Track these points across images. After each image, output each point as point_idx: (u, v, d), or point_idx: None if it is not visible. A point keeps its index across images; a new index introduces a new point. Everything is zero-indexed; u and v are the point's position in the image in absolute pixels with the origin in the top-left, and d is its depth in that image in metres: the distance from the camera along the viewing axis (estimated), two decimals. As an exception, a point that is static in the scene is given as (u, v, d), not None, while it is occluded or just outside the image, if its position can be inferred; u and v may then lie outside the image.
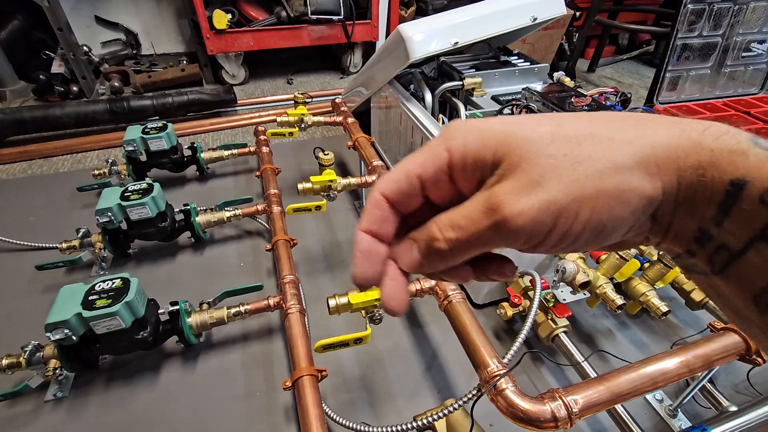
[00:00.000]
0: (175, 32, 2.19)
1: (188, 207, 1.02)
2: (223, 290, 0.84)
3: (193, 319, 0.78)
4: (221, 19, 1.78)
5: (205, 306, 0.82)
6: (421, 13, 2.28)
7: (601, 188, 0.16)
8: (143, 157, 1.23)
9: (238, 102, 1.81)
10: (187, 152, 1.28)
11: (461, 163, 0.18)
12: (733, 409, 0.66)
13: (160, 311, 0.77)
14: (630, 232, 0.18)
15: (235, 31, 1.86)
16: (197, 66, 2.02)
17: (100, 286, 0.70)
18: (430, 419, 0.60)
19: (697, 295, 0.81)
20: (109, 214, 0.91)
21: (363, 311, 0.63)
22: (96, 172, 1.22)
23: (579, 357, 0.71)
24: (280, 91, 2.04)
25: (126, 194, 0.94)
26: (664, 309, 0.76)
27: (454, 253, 0.19)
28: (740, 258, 0.16)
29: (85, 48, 1.89)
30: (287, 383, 0.67)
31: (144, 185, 0.97)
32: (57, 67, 1.82)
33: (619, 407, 0.66)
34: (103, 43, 2.08)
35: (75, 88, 1.83)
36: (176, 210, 1.02)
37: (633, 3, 2.43)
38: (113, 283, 0.71)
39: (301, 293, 0.88)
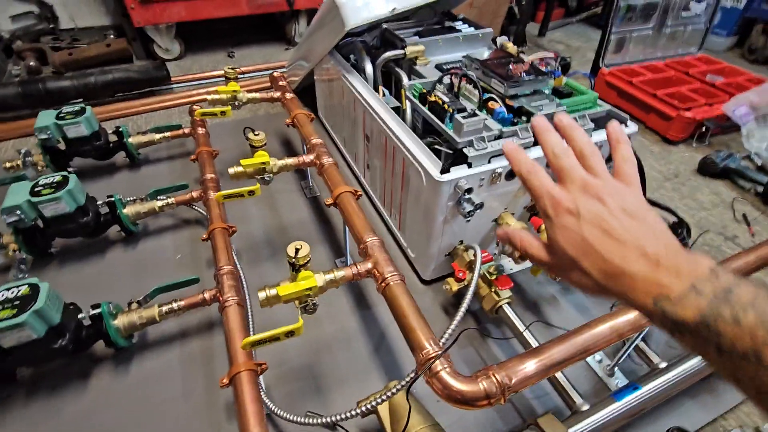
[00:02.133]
0: (97, 2, 1.98)
1: (113, 199, 0.94)
2: (154, 287, 0.78)
3: (120, 321, 0.72)
4: (145, -14, 1.62)
5: (134, 305, 0.76)
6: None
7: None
8: (62, 146, 1.11)
9: (173, 79, 1.68)
10: (113, 137, 1.17)
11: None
12: (663, 365, 0.68)
13: (81, 315, 0.71)
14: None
15: (163, -1, 1.70)
16: (125, 41, 1.85)
17: (3, 295, 0.63)
18: (372, 404, 0.59)
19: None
20: (18, 212, 0.82)
21: (296, 301, 0.60)
22: (8, 164, 1.10)
23: (521, 327, 0.72)
24: (220, 66, 1.90)
25: (36, 189, 0.85)
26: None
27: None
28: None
29: (-11, 23, 1.68)
30: (224, 380, 0.64)
31: (58, 178, 0.88)
32: (-43, 46, 1.61)
33: (557, 373, 0.68)
34: (13, 17, 1.85)
35: (-18, 70, 1.64)
36: (100, 202, 0.94)
37: (580, -37, 2.40)
38: (19, 290, 0.64)
39: (243, 284, 0.84)
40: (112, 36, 1.94)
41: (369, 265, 0.66)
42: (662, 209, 1.10)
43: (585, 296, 0.91)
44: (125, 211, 0.95)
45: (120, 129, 1.17)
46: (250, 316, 0.77)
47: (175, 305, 0.75)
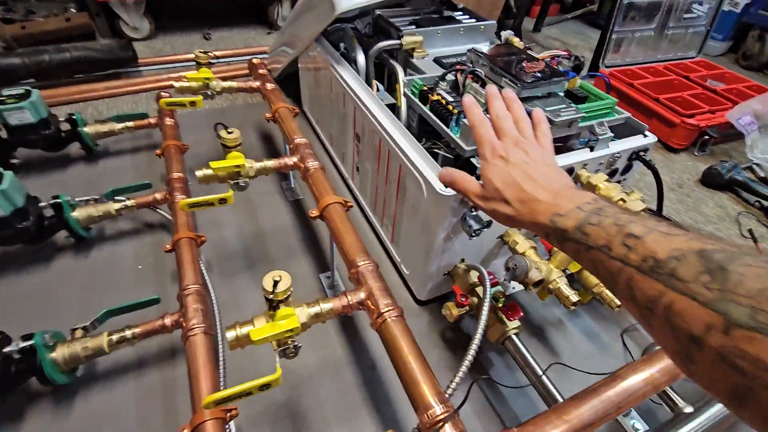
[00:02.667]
0: (56, -29, 1.78)
1: (59, 200, 0.80)
2: (104, 309, 0.66)
3: (60, 353, 0.60)
4: (108, -45, 1.45)
5: (79, 332, 0.64)
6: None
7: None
8: (3, 134, 0.96)
9: (141, 61, 1.52)
10: (66, 126, 1.03)
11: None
12: (689, 410, 0.61)
13: (8, 349, 0.58)
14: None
15: (129, -29, 1.53)
16: (87, 15, 1.67)
17: None
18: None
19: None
20: (-63, 216, 0.68)
21: (274, 343, 0.50)
22: (-63, 154, 0.94)
23: (536, 367, 0.63)
24: (195, 48, 1.75)
25: (-38, 188, 0.71)
26: (619, 302, 0.69)
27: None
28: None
29: (-75, -13, 1.48)
30: None
31: (-10, 175, 0.74)
32: None
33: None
34: (-43, -17, 1.65)
35: None
36: (43, 204, 0.80)
37: (579, -43, 2.33)
38: (-77, 322, 0.51)
39: (212, 306, 0.73)
40: (72, 9, 1.75)
41: (362, 295, 0.56)
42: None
43: (594, 320, 0.83)
44: (75, 214, 0.81)
45: (73, 116, 1.02)
46: (220, 347, 0.66)
47: (128, 333, 0.64)
